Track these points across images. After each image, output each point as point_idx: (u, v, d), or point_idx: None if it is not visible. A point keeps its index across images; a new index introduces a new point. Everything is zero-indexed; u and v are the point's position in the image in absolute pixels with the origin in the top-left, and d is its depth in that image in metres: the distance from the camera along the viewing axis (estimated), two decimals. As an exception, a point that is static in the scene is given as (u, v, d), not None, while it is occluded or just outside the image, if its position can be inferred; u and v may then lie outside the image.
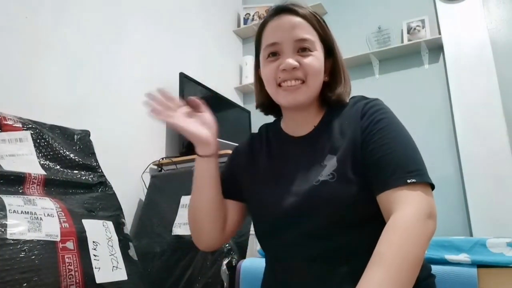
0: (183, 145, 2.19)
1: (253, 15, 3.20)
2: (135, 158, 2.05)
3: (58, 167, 1.28)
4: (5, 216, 1.01)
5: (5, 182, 1.10)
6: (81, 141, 1.47)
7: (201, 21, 2.83)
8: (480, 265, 1.07)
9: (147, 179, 2.08)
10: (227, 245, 1.56)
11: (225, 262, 1.51)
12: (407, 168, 0.69)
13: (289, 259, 0.76)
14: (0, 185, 1.08)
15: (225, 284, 1.47)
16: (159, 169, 2.15)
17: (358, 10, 2.81)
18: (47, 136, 1.30)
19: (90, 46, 1.91)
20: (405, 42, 2.59)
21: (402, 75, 2.64)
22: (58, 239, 1.05)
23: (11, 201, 1.05)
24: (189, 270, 1.59)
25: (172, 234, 1.73)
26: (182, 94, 2.25)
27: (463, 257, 1.10)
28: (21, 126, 1.22)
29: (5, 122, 1.17)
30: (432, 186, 0.70)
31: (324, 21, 0.85)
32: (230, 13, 3.23)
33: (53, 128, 1.40)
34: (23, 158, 1.16)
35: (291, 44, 0.79)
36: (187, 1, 2.71)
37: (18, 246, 0.98)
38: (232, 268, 1.49)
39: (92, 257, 1.11)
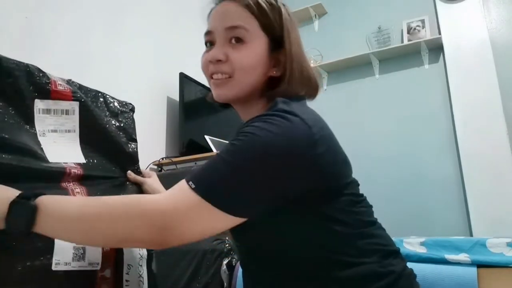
0: (183, 145, 2.19)
1: (253, 15, 3.20)
2: (135, 158, 2.05)
3: (97, 154, 0.98)
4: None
5: (43, 178, 0.83)
6: (124, 119, 1.18)
7: (201, 21, 2.83)
8: (480, 265, 1.08)
9: (147, 179, 2.08)
10: (227, 245, 1.56)
11: (225, 262, 1.51)
12: (200, 172, 0.60)
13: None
14: (38, 182, 0.80)
15: (225, 284, 1.47)
16: (159, 169, 2.15)
17: (358, 10, 2.81)
18: (92, 109, 1.00)
19: (90, 46, 1.91)
20: (405, 42, 2.59)
21: (402, 75, 2.65)
22: (98, 267, 0.81)
23: None
24: (189, 270, 1.59)
25: (172, 234, 1.73)
26: (182, 94, 2.25)
27: (463, 257, 1.10)
28: (70, 94, 0.95)
29: (55, 88, 0.92)
30: (226, 208, 0.58)
31: (276, 8, 0.74)
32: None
33: (97, 97, 1.12)
34: (66, 136, 0.92)
35: (222, 33, 0.72)
36: (187, 1, 2.71)
37: (62, 281, 0.73)
38: (232, 268, 1.49)
39: (124, 283, 0.90)
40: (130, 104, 1.26)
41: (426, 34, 2.55)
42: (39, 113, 0.86)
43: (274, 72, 0.74)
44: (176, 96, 2.30)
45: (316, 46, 2.78)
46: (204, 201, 0.57)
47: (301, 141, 0.62)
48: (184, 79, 2.29)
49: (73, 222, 0.58)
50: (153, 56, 2.31)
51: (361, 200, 0.74)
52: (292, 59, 0.73)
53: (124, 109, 1.22)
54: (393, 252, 0.72)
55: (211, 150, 2.13)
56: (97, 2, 1.99)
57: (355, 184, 0.75)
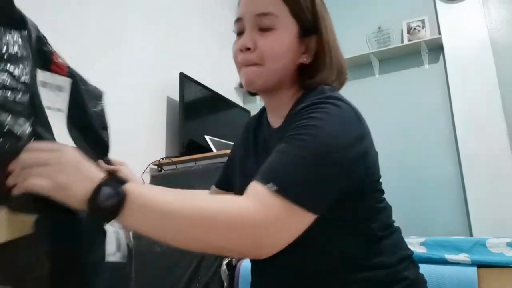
0: (183, 145, 2.19)
1: (253, 15, 3.20)
2: (135, 158, 2.05)
3: (79, 140, 0.89)
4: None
5: None
6: (99, 105, 1.07)
7: (201, 21, 2.83)
8: (480, 265, 1.08)
9: (147, 179, 2.08)
10: (227, 245, 1.56)
11: (225, 262, 1.51)
12: (277, 174, 0.57)
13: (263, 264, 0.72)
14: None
15: (225, 284, 1.47)
16: (159, 169, 2.15)
17: (358, 10, 2.81)
18: (79, 89, 0.90)
19: (90, 46, 1.91)
20: (405, 42, 2.59)
21: (402, 75, 2.65)
22: (126, 260, 0.78)
23: None
24: (189, 270, 1.59)
25: (172, 234, 1.73)
26: (182, 94, 2.25)
27: (463, 257, 1.10)
28: (66, 69, 0.88)
29: (56, 61, 0.84)
30: (312, 209, 0.57)
31: None
32: (230, 13, 3.23)
33: (83, 80, 0.99)
34: (57, 116, 0.85)
35: (251, 20, 0.70)
36: (187, 1, 2.71)
37: (113, 272, 0.71)
38: (232, 268, 1.49)
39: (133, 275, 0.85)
40: (101, 89, 1.12)
41: (426, 34, 2.55)
42: (37, 85, 0.76)
43: (305, 59, 0.72)
44: (176, 96, 2.30)
45: (316, 46, 2.77)
46: (292, 204, 0.55)
47: (357, 132, 0.63)
48: (184, 79, 2.29)
49: (164, 219, 0.53)
50: (153, 56, 2.31)
51: (383, 198, 0.74)
52: (330, 47, 0.72)
53: (97, 93, 1.08)
54: (408, 257, 0.72)
55: (211, 150, 2.13)
56: (97, 2, 1.99)
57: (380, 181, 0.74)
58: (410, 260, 0.72)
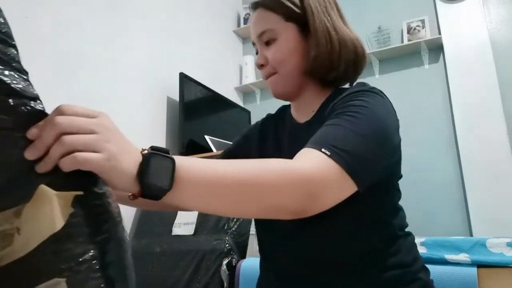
0: (183, 145, 2.19)
1: (253, 15, 3.20)
2: (135, 158, 2.05)
3: None
4: None
5: None
6: None
7: (201, 21, 2.83)
8: (480, 265, 1.08)
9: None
10: (227, 245, 1.56)
11: (225, 262, 1.51)
12: (331, 142, 0.60)
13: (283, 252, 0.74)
14: None
15: (225, 284, 1.47)
16: (159, 169, 2.15)
17: (358, 10, 2.81)
18: None
19: (90, 46, 1.91)
20: (405, 42, 2.59)
21: (402, 75, 2.64)
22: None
23: None
24: (189, 270, 1.59)
25: (172, 234, 1.73)
26: (182, 94, 2.25)
27: (463, 257, 1.10)
28: None
29: None
30: (358, 180, 0.59)
31: None
32: (230, 13, 3.23)
33: None
34: None
35: (257, 40, 0.79)
36: (187, 1, 2.71)
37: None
38: (232, 268, 1.49)
39: None
40: None
41: (426, 34, 2.55)
42: None
43: (313, 53, 0.75)
44: (176, 96, 2.30)
45: (316, 46, 2.77)
46: (342, 170, 0.57)
47: (397, 123, 0.71)
48: (184, 79, 2.29)
49: (218, 188, 0.50)
50: (153, 56, 2.31)
51: (400, 198, 0.77)
52: (324, 33, 0.74)
53: None
54: (421, 260, 0.75)
55: (211, 150, 2.13)
56: (97, 2, 1.99)
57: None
58: (423, 264, 0.74)
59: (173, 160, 0.47)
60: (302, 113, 0.80)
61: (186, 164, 0.49)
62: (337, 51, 0.74)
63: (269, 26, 0.76)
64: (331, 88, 0.78)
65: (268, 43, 0.77)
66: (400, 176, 0.76)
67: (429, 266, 1.02)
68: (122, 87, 2.06)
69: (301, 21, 0.76)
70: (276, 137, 0.84)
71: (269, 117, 0.91)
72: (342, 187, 0.58)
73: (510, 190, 2.15)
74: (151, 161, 0.45)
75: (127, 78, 2.09)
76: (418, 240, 1.19)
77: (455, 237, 1.22)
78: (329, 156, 0.57)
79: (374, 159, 0.62)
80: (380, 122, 0.65)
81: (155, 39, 2.34)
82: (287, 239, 0.73)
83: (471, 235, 2.21)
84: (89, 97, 1.86)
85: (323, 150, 0.58)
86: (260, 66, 0.79)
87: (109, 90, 1.99)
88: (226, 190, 0.51)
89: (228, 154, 0.93)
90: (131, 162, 0.45)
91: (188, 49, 2.63)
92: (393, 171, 0.72)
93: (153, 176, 0.45)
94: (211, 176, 0.50)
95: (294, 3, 0.76)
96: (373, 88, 0.72)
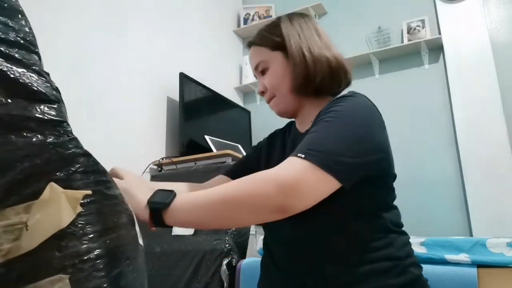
0: (183, 145, 2.19)
1: (253, 15, 3.20)
2: (135, 158, 2.05)
3: None
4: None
5: None
6: None
7: (201, 21, 2.83)
8: (480, 265, 1.08)
9: (147, 179, 2.08)
10: (227, 245, 1.56)
11: (225, 262, 1.51)
12: (307, 146, 0.67)
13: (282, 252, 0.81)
14: None
15: (225, 284, 1.47)
16: (159, 169, 2.15)
17: (358, 10, 2.81)
18: None
19: (90, 46, 1.91)
20: (405, 42, 2.59)
21: (402, 75, 2.64)
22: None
23: None
24: (189, 270, 1.59)
25: (172, 234, 1.73)
26: (182, 94, 2.25)
27: (463, 257, 1.10)
28: None
29: None
30: (340, 176, 0.65)
31: (276, 25, 0.88)
32: (230, 13, 3.23)
33: None
34: None
35: (255, 72, 0.92)
36: (187, 1, 2.71)
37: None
38: (232, 268, 1.49)
39: None
40: None
41: (426, 34, 2.55)
42: None
43: (295, 72, 0.84)
44: (176, 96, 2.30)
45: (316, 46, 2.77)
46: (315, 166, 0.63)
47: (376, 116, 0.76)
48: (184, 79, 2.29)
49: (207, 204, 0.64)
50: (153, 56, 2.31)
51: (394, 198, 0.82)
52: (299, 56, 0.84)
53: None
54: (414, 257, 0.78)
55: (211, 150, 2.13)
56: (97, 2, 1.99)
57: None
58: (416, 261, 0.78)
59: (173, 191, 0.66)
60: (304, 125, 0.89)
61: (183, 193, 0.66)
62: (312, 68, 0.82)
63: (261, 58, 0.89)
64: (326, 98, 0.85)
65: (263, 72, 0.89)
66: (395, 176, 0.82)
67: (429, 266, 1.02)
68: (122, 87, 2.06)
69: (284, 48, 0.86)
70: (282, 147, 0.94)
71: (277, 132, 1.02)
72: (321, 183, 0.64)
73: (510, 190, 2.15)
74: (157, 192, 0.67)
75: (127, 78, 2.09)
76: (418, 240, 1.19)
77: (455, 237, 1.22)
78: (303, 158, 0.64)
79: (353, 155, 0.67)
80: (357, 120, 0.71)
81: (155, 39, 2.34)
82: (284, 233, 0.79)
83: (471, 235, 2.21)
84: (89, 97, 1.86)
85: (299, 155, 0.65)
86: (261, 93, 0.91)
87: (109, 90, 1.99)
88: (214, 206, 0.63)
89: (241, 165, 1.01)
90: (143, 194, 0.66)
91: (188, 49, 2.63)
92: (382, 167, 0.76)
93: (158, 198, 0.65)
94: (201, 195, 0.65)
95: (275, 34, 0.87)
96: (355, 93, 0.78)
